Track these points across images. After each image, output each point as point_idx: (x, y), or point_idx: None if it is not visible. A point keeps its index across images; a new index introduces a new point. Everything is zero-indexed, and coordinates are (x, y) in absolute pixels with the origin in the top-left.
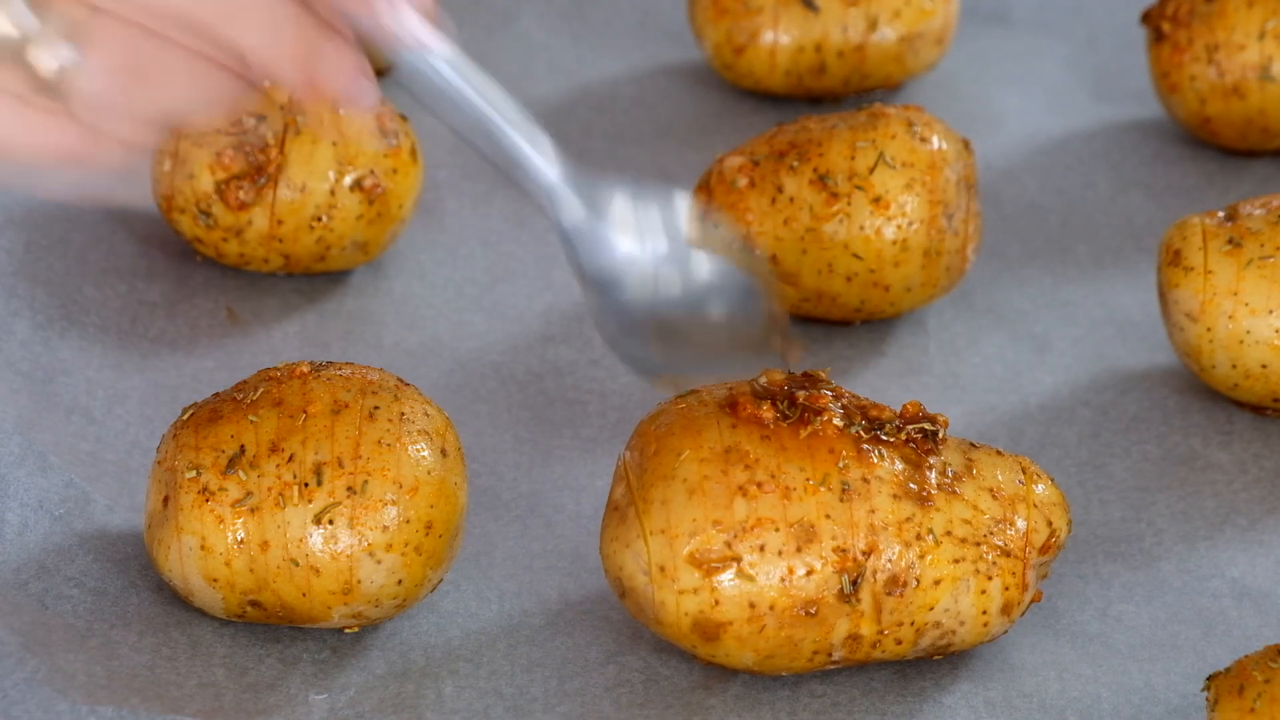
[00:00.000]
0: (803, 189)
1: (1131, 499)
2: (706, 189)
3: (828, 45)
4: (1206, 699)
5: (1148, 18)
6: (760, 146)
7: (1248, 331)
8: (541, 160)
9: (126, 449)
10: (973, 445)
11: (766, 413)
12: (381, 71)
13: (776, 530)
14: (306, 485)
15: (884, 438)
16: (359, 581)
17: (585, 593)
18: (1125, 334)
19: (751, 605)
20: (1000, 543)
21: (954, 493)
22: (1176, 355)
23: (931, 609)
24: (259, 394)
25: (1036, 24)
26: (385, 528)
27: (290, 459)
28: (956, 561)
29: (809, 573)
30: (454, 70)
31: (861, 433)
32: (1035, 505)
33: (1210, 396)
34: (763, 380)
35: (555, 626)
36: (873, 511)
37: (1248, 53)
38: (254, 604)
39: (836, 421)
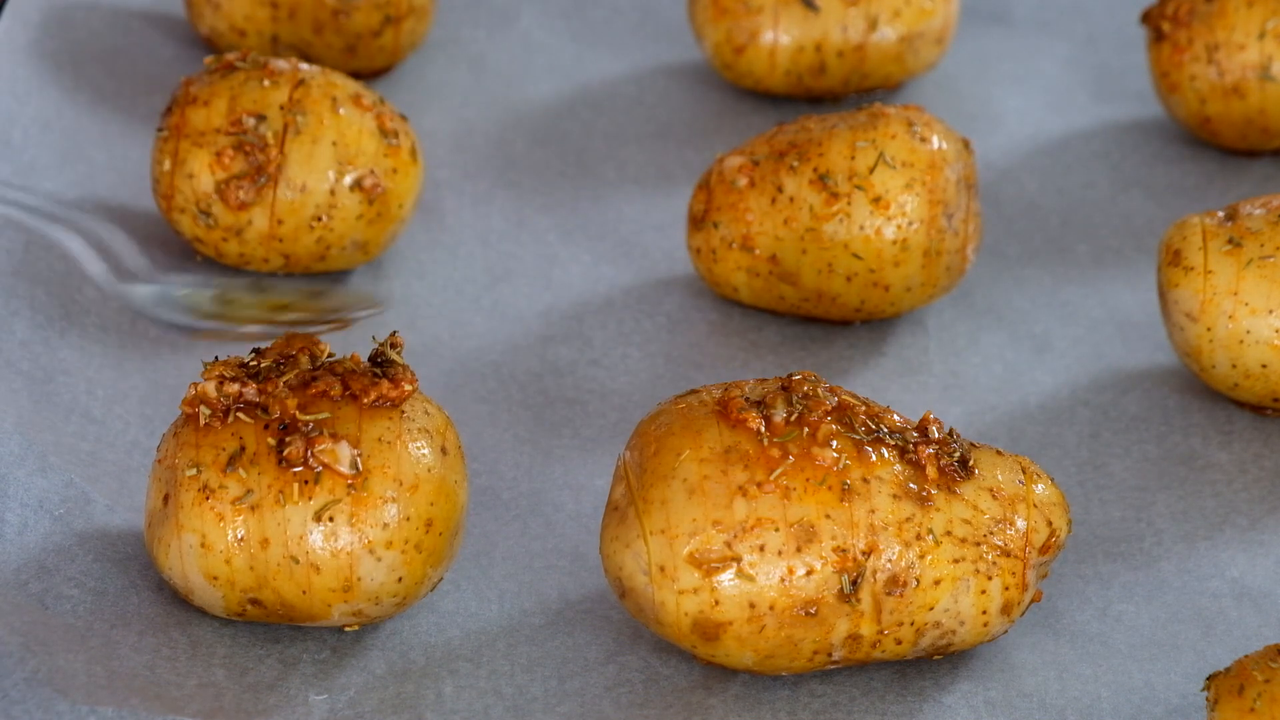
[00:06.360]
0: (803, 189)
1: (1131, 499)
2: (706, 189)
3: (828, 45)
4: (1206, 699)
5: (1148, 17)
6: (760, 146)
7: (1248, 331)
8: None
9: (126, 449)
10: (973, 445)
11: (754, 421)
12: (380, 70)
13: (776, 530)
14: (306, 483)
15: (909, 455)
16: (359, 579)
17: (585, 593)
18: (1125, 334)
19: (751, 605)
20: (1000, 543)
21: (954, 493)
22: (1176, 355)
23: (931, 609)
24: None
25: (1036, 24)
26: (385, 525)
27: None
28: (956, 561)
29: (809, 573)
30: None
31: (862, 433)
32: (1035, 505)
33: (1210, 396)
34: (753, 386)
35: (555, 626)
36: (873, 511)
37: (1248, 53)
38: (254, 602)
39: (835, 424)
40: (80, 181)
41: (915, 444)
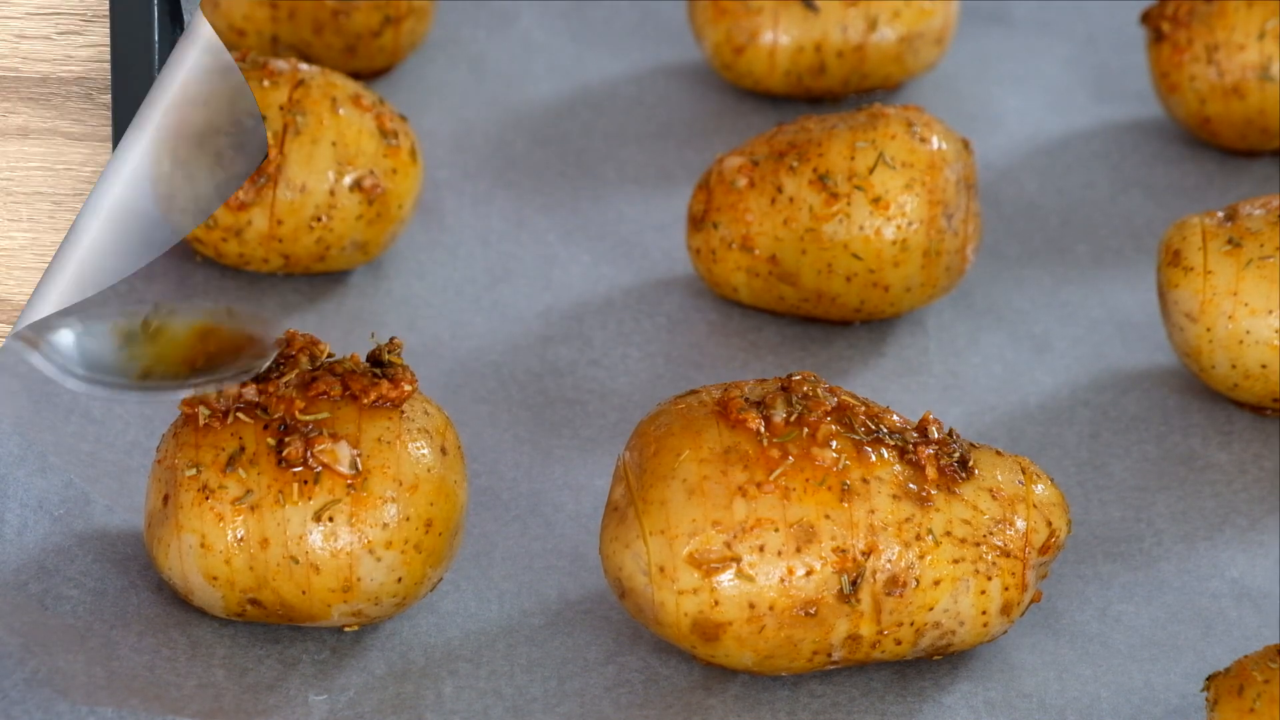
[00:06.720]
0: (802, 189)
1: (1131, 499)
2: (706, 189)
3: (827, 45)
4: (1206, 699)
5: (1148, 18)
6: (760, 146)
7: (1247, 331)
8: None
9: (126, 449)
10: (972, 445)
11: (754, 421)
12: (380, 70)
13: (776, 530)
14: (306, 483)
15: (909, 455)
16: (359, 579)
17: (585, 593)
18: (1125, 334)
19: (751, 605)
20: (1000, 543)
21: (954, 493)
22: (1176, 355)
23: (931, 609)
24: None
25: (1036, 24)
26: (385, 525)
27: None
28: (956, 562)
29: (808, 573)
30: None
31: (862, 434)
32: (1035, 505)
33: (1210, 396)
34: (753, 386)
35: (555, 626)
36: (872, 512)
37: (1248, 53)
38: (254, 602)
39: (835, 425)
40: None
41: (915, 444)
